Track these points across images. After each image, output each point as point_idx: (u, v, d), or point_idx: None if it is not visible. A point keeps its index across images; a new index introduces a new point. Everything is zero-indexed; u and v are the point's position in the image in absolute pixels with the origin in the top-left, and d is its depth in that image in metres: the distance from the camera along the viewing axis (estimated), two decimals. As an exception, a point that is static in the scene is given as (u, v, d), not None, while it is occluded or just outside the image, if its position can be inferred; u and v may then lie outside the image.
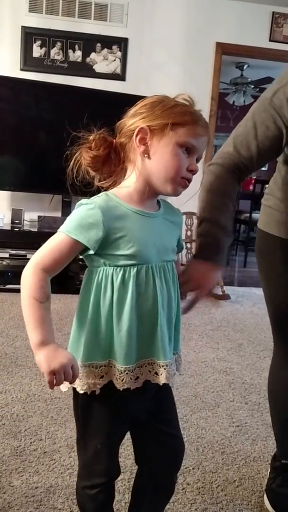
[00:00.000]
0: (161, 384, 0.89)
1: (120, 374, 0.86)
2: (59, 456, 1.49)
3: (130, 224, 0.84)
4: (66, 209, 3.72)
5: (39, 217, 3.79)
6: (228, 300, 3.73)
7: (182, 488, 1.37)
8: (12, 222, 3.67)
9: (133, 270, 0.84)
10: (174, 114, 0.83)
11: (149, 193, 0.88)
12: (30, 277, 0.81)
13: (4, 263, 3.57)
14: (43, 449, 1.53)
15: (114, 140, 0.90)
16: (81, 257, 0.87)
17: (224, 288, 3.81)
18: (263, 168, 7.44)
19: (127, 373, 0.85)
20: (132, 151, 0.87)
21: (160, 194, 0.90)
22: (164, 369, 0.88)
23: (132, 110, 0.88)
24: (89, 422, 0.92)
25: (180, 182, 0.86)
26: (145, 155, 0.85)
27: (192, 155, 0.86)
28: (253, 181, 6.19)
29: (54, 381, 0.78)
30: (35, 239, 3.67)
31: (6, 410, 1.76)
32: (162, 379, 0.89)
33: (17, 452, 1.50)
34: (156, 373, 0.89)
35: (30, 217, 3.81)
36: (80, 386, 0.87)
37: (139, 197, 0.88)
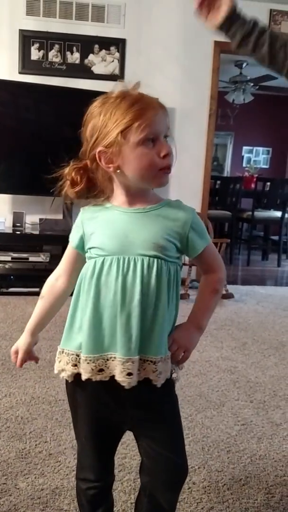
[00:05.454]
0: (117, 380, 0.84)
1: (82, 363, 0.87)
2: (64, 458, 1.49)
3: (100, 220, 0.90)
4: (68, 211, 3.72)
5: (40, 219, 3.78)
6: (232, 299, 3.72)
7: (188, 488, 1.37)
8: (14, 225, 3.67)
9: (99, 262, 0.87)
10: (116, 122, 0.82)
11: (136, 193, 0.89)
12: None
13: (7, 266, 3.56)
14: (48, 451, 1.53)
15: (87, 163, 0.90)
16: None
17: (227, 287, 3.80)
18: (264, 166, 7.42)
19: (87, 363, 0.86)
20: (105, 173, 0.89)
21: (151, 188, 0.91)
22: (122, 364, 0.84)
23: (84, 133, 0.88)
24: (76, 411, 0.97)
25: (159, 174, 0.86)
26: (118, 171, 0.86)
27: (158, 140, 0.84)
28: (255, 180, 6.18)
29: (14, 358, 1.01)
30: (36, 242, 3.69)
31: (11, 413, 1.76)
32: (118, 376, 0.84)
33: (22, 455, 1.50)
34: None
35: (31, 220, 3.80)
36: (56, 368, 0.93)
37: (128, 199, 0.90)
